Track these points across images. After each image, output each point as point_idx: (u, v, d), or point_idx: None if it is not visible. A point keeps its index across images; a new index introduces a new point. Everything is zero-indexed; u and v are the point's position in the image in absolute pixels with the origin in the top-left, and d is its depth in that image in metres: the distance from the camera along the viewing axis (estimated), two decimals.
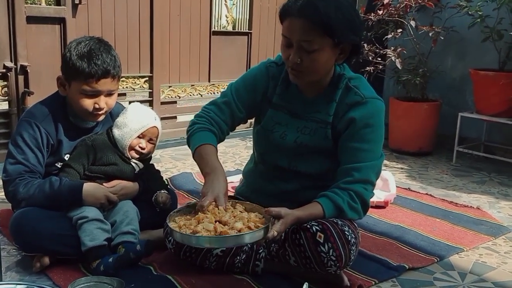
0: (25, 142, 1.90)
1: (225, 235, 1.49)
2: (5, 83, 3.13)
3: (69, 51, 1.92)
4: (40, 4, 3.30)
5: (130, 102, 2.24)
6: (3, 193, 1.97)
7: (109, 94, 1.97)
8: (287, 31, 1.68)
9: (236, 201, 1.73)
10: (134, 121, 2.03)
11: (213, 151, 1.75)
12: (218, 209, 1.57)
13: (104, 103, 1.95)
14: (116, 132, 2.03)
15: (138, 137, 2.03)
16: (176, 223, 1.57)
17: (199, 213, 1.55)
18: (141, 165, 2.08)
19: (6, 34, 3.08)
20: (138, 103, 2.17)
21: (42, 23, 3.23)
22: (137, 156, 2.05)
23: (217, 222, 1.53)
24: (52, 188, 1.85)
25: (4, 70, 3.10)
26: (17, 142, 1.91)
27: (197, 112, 1.90)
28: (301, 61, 1.67)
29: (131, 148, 2.03)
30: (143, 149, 2.04)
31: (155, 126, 2.07)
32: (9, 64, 3.10)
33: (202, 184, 1.68)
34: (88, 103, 1.93)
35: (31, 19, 3.15)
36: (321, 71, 1.73)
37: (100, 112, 1.96)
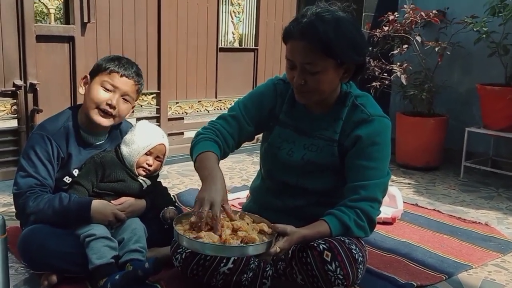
0: (37, 155, 1.93)
1: (229, 244, 1.51)
2: (15, 101, 3.17)
3: (102, 59, 2.06)
4: (49, 23, 3.35)
5: (137, 119, 2.27)
6: (11, 209, 1.98)
7: (124, 97, 2.02)
8: (289, 54, 1.69)
9: (246, 213, 1.74)
10: (142, 139, 2.05)
11: (214, 158, 1.71)
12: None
13: (117, 103, 1.99)
14: (124, 149, 2.05)
15: (146, 154, 2.05)
16: (182, 227, 1.60)
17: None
18: (148, 182, 2.10)
19: (16, 53, 3.13)
20: (146, 121, 2.20)
21: (52, 41, 3.28)
22: (144, 173, 2.07)
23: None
24: (61, 204, 1.87)
25: (14, 88, 3.14)
26: (29, 155, 1.93)
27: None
28: (305, 82, 1.68)
29: (139, 165, 2.05)
30: (150, 166, 2.06)
31: (162, 144, 2.09)
32: (19, 82, 3.14)
33: None
34: (103, 95, 1.98)
35: (40, 38, 3.20)
36: (326, 91, 1.74)
37: (109, 110, 1.98)
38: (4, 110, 3.16)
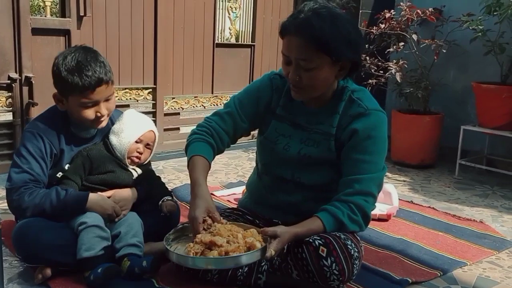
0: (29, 152, 1.91)
1: (222, 256, 1.52)
2: (10, 94, 3.16)
3: (57, 68, 1.90)
4: (45, 16, 3.32)
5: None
6: (5, 204, 1.97)
7: (106, 100, 1.98)
8: (285, 49, 1.69)
9: (231, 222, 1.73)
10: (131, 126, 2.04)
11: (202, 164, 1.78)
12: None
13: (105, 109, 1.97)
14: (113, 139, 2.03)
15: (136, 142, 2.03)
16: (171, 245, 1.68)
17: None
18: (139, 170, 2.09)
19: (11, 46, 3.11)
20: (133, 109, 2.18)
21: (47, 34, 3.26)
22: (135, 162, 2.06)
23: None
24: (58, 198, 1.86)
25: (9, 81, 3.12)
26: (22, 152, 1.92)
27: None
28: (300, 78, 1.68)
29: (129, 154, 2.03)
30: (141, 153, 2.05)
31: (151, 130, 2.09)
32: (14, 75, 3.12)
33: None
34: (89, 113, 1.94)
35: (36, 31, 3.18)
36: (321, 87, 1.73)
37: (102, 119, 1.99)
38: None
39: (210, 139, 1.82)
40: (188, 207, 1.69)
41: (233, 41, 4.45)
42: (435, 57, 3.79)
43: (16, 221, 2.01)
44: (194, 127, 1.92)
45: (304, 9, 1.66)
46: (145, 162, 2.12)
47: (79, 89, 1.88)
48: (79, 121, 1.98)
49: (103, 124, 2.02)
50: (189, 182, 3.29)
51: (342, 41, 1.63)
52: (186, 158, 1.82)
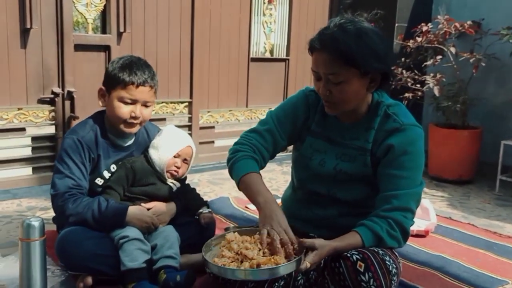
0: (70, 158, 1.98)
1: (259, 268, 1.52)
2: (53, 108, 3.27)
3: (111, 65, 2.03)
4: (87, 33, 3.45)
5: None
6: (48, 213, 2.03)
7: (145, 105, 2.04)
8: (314, 65, 1.71)
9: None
10: (170, 142, 2.11)
11: (261, 180, 1.76)
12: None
13: (140, 112, 2.02)
14: (153, 153, 2.10)
15: (174, 156, 2.09)
16: (212, 251, 1.64)
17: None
18: (178, 184, 2.14)
19: (55, 61, 3.23)
20: (173, 125, 2.26)
21: (89, 50, 3.37)
22: (172, 176, 2.12)
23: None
24: (100, 210, 1.91)
25: (52, 96, 3.24)
26: (63, 158, 1.99)
27: (236, 139, 1.93)
28: (331, 93, 1.69)
29: (168, 168, 2.09)
30: (179, 168, 2.11)
31: (189, 146, 2.15)
32: (57, 90, 3.24)
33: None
34: (125, 110, 2.00)
35: (78, 47, 3.30)
36: (353, 101, 1.73)
37: (135, 121, 2.03)
38: (43, 117, 3.26)
39: (255, 155, 1.83)
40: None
41: (267, 55, 4.49)
42: (474, 71, 3.72)
43: (57, 231, 2.07)
44: (229, 142, 1.95)
45: (330, 25, 1.69)
46: (183, 177, 2.16)
47: (124, 83, 1.98)
48: (113, 119, 2.04)
49: (134, 130, 2.06)
50: (223, 194, 3.31)
51: (368, 53, 1.63)
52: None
